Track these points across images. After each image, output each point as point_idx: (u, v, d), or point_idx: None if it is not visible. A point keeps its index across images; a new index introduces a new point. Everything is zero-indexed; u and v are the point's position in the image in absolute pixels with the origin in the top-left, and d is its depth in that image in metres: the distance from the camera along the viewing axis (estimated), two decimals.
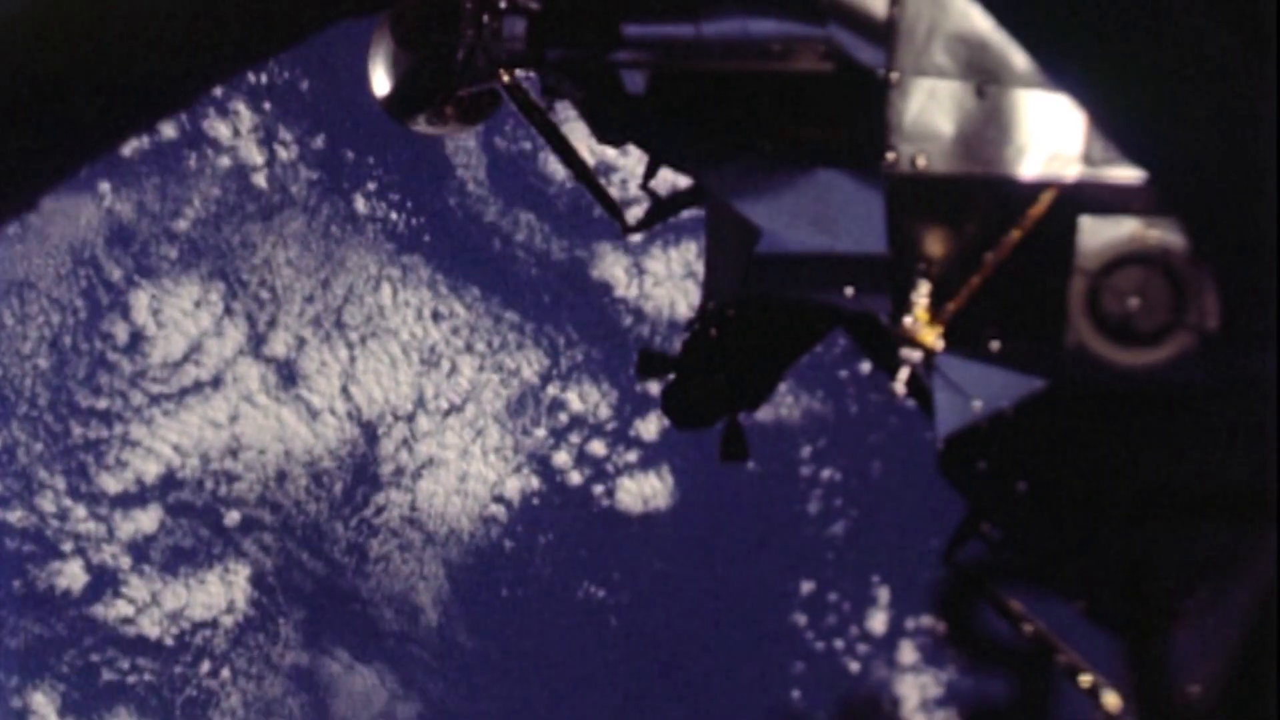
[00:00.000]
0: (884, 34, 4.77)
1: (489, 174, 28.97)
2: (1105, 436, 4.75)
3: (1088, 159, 4.59)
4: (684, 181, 7.32)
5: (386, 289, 29.00)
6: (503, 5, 6.23)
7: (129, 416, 28.96)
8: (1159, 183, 4.46)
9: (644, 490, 28.33)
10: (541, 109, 6.75)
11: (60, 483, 28.92)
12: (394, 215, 29.12)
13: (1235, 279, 4.45)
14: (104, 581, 28.92)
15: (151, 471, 28.90)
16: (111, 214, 29.41)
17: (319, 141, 29.18)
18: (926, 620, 26.19)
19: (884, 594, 27.02)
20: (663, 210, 7.35)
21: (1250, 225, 4.19)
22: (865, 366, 27.60)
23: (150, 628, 28.91)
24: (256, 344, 29.06)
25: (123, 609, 28.91)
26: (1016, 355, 4.70)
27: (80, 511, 28.88)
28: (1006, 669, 5.32)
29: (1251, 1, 4.06)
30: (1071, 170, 4.60)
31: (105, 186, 29.44)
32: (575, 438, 28.61)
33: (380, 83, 6.86)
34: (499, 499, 28.75)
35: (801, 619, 27.41)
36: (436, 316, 28.92)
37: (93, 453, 28.93)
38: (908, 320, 4.74)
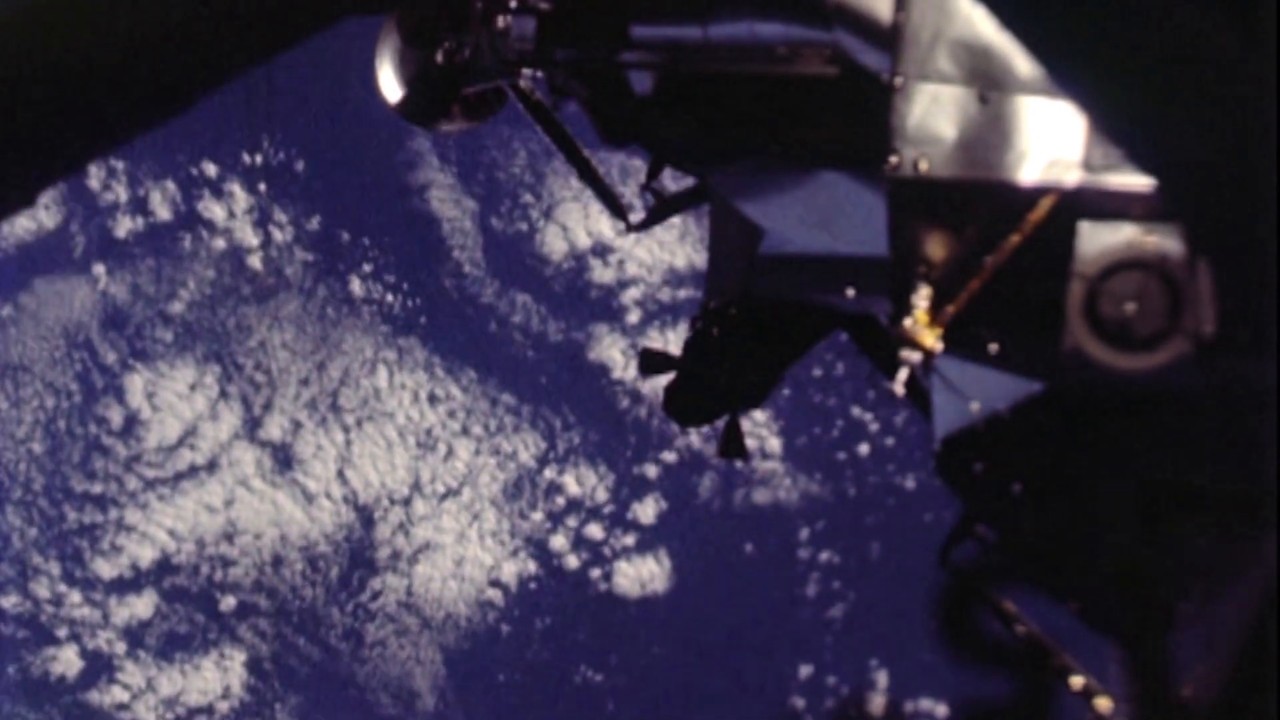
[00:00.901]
0: (889, 39, 4.86)
1: (485, 255, 28.96)
2: (1101, 440, 4.78)
3: (1087, 165, 4.66)
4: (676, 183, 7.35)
5: (383, 372, 28.93)
6: (513, 5, 6.29)
7: (124, 501, 28.85)
8: (1163, 187, 4.41)
9: (641, 574, 28.18)
10: (547, 107, 6.85)
11: (55, 568, 28.78)
12: (390, 297, 29.07)
13: (1233, 285, 4.44)
14: (99, 668, 28.76)
15: (146, 556, 28.77)
16: (106, 296, 29.38)
17: (315, 223, 29.18)
18: (926, 703, 25.99)
19: (883, 677, 26.86)
20: (665, 210, 7.34)
21: (1251, 231, 4.12)
22: (864, 449, 27.51)
23: (146, 714, 28.74)
24: (252, 427, 28.97)
25: (118, 695, 28.74)
26: (1014, 358, 4.77)
27: (75, 597, 28.72)
28: (1004, 670, 5.33)
29: (1254, 4, 4.07)
30: (1071, 176, 4.67)
31: (100, 269, 29.43)
32: (572, 521, 28.47)
33: (387, 80, 6.98)
34: (496, 583, 28.59)
35: (800, 702, 27.25)
36: (433, 399, 28.84)
37: (87, 538, 28.80)
38: (908, 322, 4.82)
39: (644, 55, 5.87)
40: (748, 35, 5.39)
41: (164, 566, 28.80)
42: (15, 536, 28.84)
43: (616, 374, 28.41)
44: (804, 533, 27.58)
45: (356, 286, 29.12)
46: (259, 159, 29.04)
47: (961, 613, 5.28)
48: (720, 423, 6.63)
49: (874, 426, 27.41)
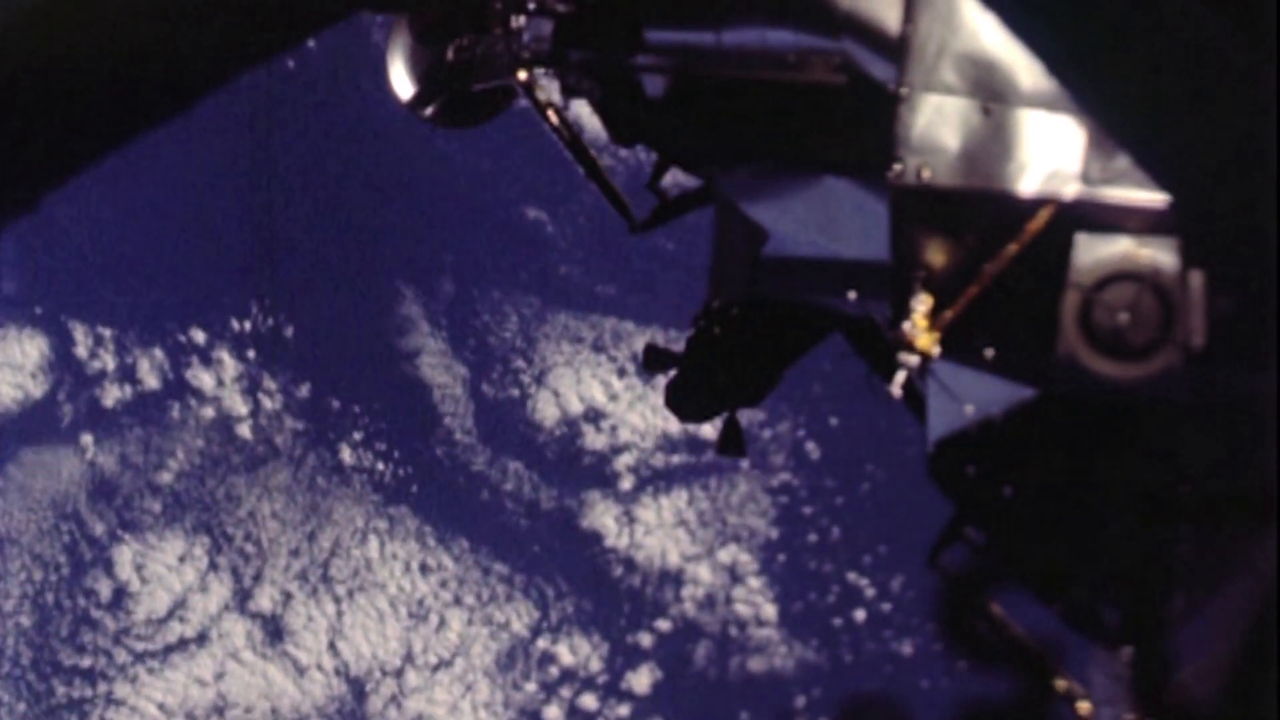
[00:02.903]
0: (896, 50, 5.03)
1: (476, 422, 28.84)
2: (1092, 445, 4.92)
3: (1086, 178, 4.80)
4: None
5: (374, 541, 28.73)
6: (531, 6, 6.52)
7: (113, 675, 28.54)
8: (1168, 195, 4.62)
9: None
10: (556, 106, 7.03)
11: None
12: (380, 466, 28.92)
13: (1230, 297, 4.57)
14: None
15: None
16: (94, 467, 29.22)
17: (304, 390, 29.05)
18: None
19: None
20: (669, 210, 7.54)
21: (1253, 242, 4.29)
22: (860, 615, 27.33)
23: None
24: (242, 599, 28.71)
25: None
26: (1010, 364, 4.91)
27: None
28: (1002, 670, 5.49)
29: (1259, 13, 4.19)
30: (1070, 188, 4.82)
31: (88, 439, 29.30)
32: (566, 691, 28.19)
33: (398, 77, 7.26)
34: None
35: None
36: (425, 569, 28.61)
37: (76, 712, 28.49)
38: (906, 325, 4.95)
39: (657, 59, 6.04)
40: (759, 42, 5.54)
41: None
42: (4, 712, 28.48)
43: (609, 541, 28.22)
44: (800, 700, 27.33)
45: (347, 455, 28.97)
46: (248, 325, 28.95)
47: (961, 613, 5.47)
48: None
49: (870, 591, 27.23)
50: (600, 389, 28.25)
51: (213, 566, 28.84)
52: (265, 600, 28.73)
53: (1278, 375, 4.49)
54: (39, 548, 29.09)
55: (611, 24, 6.13)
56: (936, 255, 4.97)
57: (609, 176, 7.46)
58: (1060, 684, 5.16)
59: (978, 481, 5.06)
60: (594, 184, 7.45)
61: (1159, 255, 4.69)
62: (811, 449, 27.31)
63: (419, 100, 7.35)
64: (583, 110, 7.10)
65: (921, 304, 4.96)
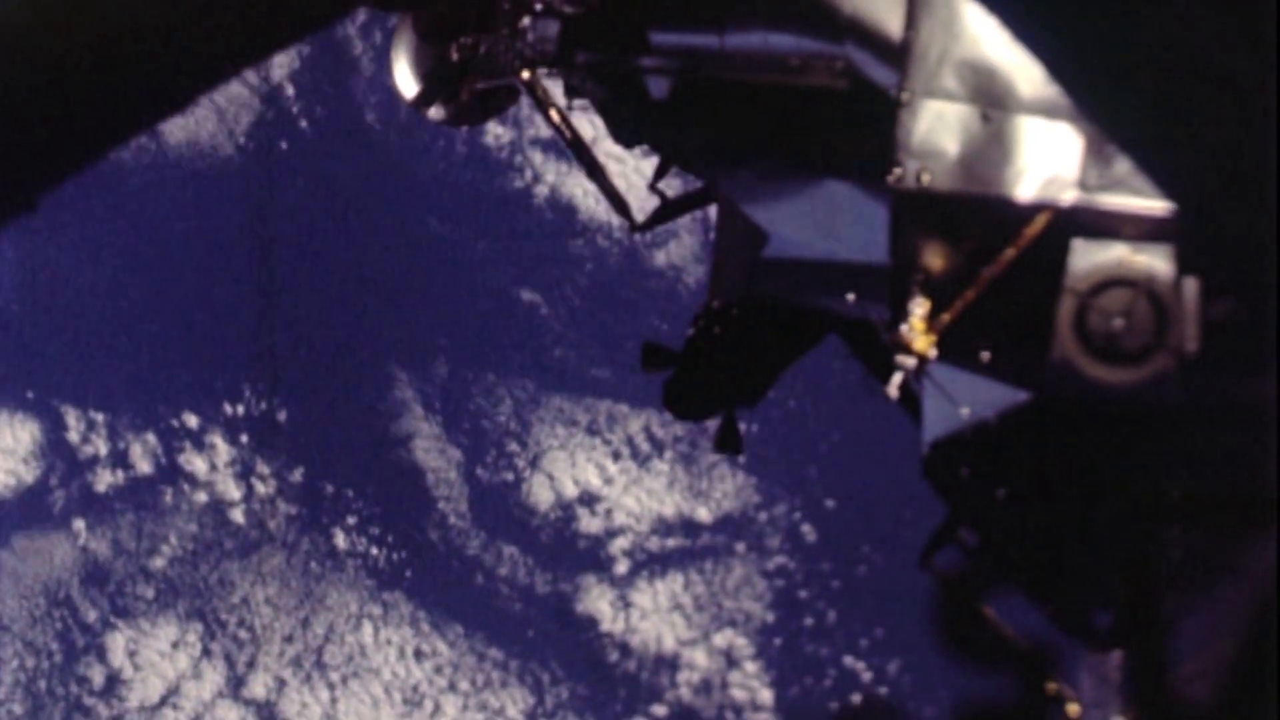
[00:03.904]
0: (898, 56, 5.13)
1: (471, 506, 28.73)
2: (1085, 448, 5.00)
3: (1083, 185, 4.88)
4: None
5: (368, 627, 28.59)
6: (538, 8, 6.58)
7: None
8: (1168, 200, 4.70)
9: None
10: (559, 106, 7.12)
11: None
12: (374, 550, 28.80)
13: (1227, 304, 4.65)
14: None
15: None
16: (87, 552, 29.11)
17: (298, 475, 28.95)
18: None
19: None
20: (669, 210, 7.66)
21: (1250, 248, 4.38)
22: (856, 699, 27.19)
23: None
24: (236, 686, 28.56)
25: None
26: (1005, 367, 5.00)
27: None
28: (994, 671, 5.56)
29: (1262, 22, 4.24)
30: (1067, 195, 4.90)
31: (80, 524, 29.19)
32: None
33: (402, 75, 7.34)
34: None
35: None
36: (419, 655, 28.47)
37: None
38: (904, 328, 5.05)
39: (662, 61, 6.09)
40: (763, 46, 5.63)
41: None
42: None
43: (605, 626, 28.07)
44: None
45: (341, 540, 28.86)
46: (241, 409, 28.87)
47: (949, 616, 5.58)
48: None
49: (867, 676, 27.11)
50: (595, 472, 28.16)
51: (206, 653, 28.69)
52: (259, 687, 28.58)
53: (1278, 380, 4.57)
54: (31, 634, 28.96)
55: (617, 26, 6.22)
56: (935, 259, 5.06)
57: (609, 176, 7.57)
58: (1050, 686, 5.22)
59: (971, 483, 5.14)
60: (595, 183, 7.55)
61: (1154, 262, 4.77)
62: (807, 531, 27.21)
63: (422, 99, 7.44)
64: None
65: (919, 307, 5.05)
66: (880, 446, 25.40)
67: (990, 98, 4.99)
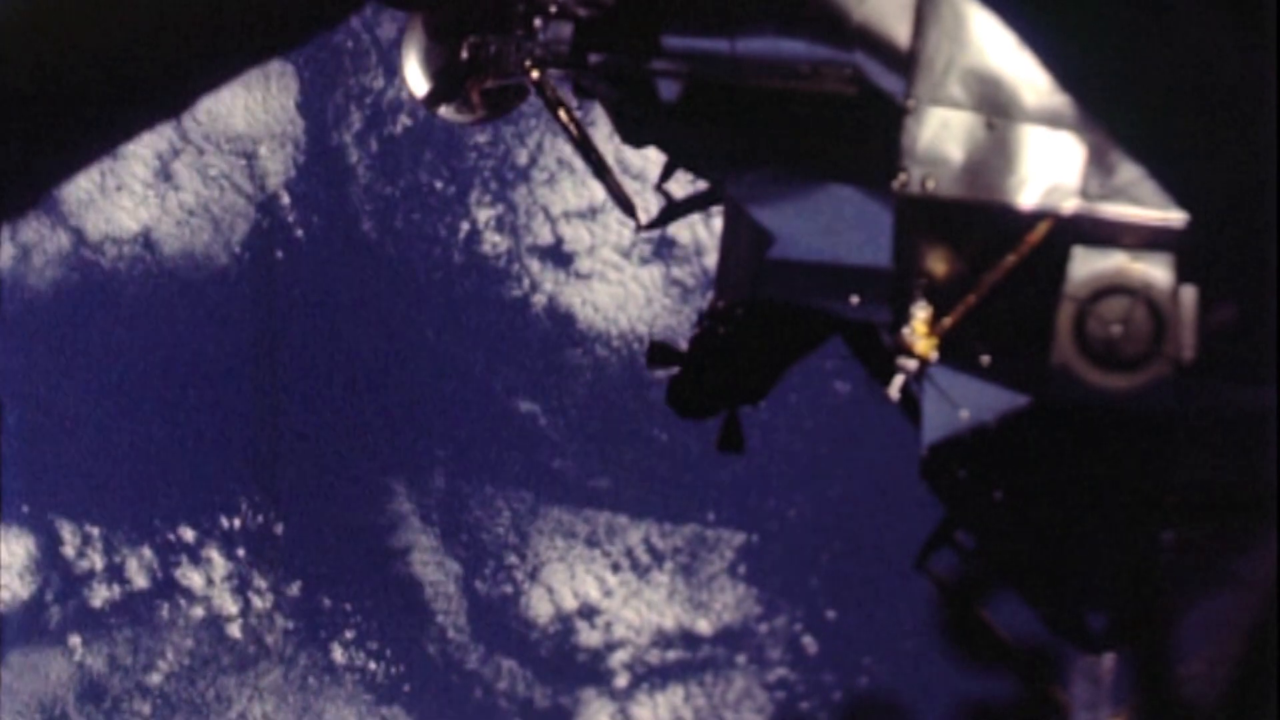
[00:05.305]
0: (905, 64, 5.17)
1: (469, 619, 28.60)
2: (1082, 452, 5.04)
3: (1084, 194, 4.92)
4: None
5: None
6: (552, 10, 6.65)
7: None
8: (1171, 212, 4.72)
9: None
10: (568, 106, 7.22)
11: None
12: (373, 665, 28.66)
13: (1227, 313, 4.72)
14: None
15: None
16: (83, 668, 28.98)
17: (295, 589, 28.83)
18: None
19: None
20: (675, 211, 7.78)
21: (1252, 257, 4.41)
22: None
23: None
24: None
25: None
26: (1005, 371, 5.05)
27: None
28: (990, 674, 5.53)
29: (1270, 28, 4.28)
30: (1068, 203, 4.94)
31: (76, 640, 29.03)
32: None
33: (413, 74, 7.49)
34: None
35: None
36: None
37: None
38: (906, 331, 5.08)
39: (673, 64, 6.18)
40: (772, 52, 5.69)
41: None
42: None
43: None
44: None
45: (339, 654, 28.72)
46: (237, 523, 28.77)
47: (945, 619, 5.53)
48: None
49: None
50: (595, 585, 28.05)
51: None
52: None
53: (1279, 387, 4.65)
54: None
55: (630, 30, 6.30)
56: (937, 263, 5.10)
57: (615, 176, 7.65)
58: (1050, 689, 5.28)
59: (969, 485, 5.18)
60: (601, 183, 7.64)
61: (1153, 270, 4.83)
62: (809, 643, 27.10)
63: (432, 98, 7.56)
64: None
65: (921, 310, 5.09)
66: (880, 559, 25.38)
67: (995, 106, 5.06)
